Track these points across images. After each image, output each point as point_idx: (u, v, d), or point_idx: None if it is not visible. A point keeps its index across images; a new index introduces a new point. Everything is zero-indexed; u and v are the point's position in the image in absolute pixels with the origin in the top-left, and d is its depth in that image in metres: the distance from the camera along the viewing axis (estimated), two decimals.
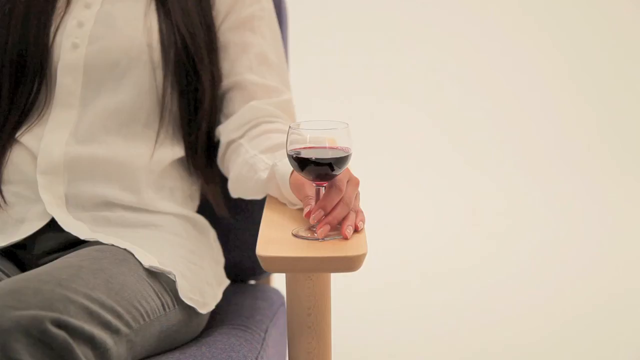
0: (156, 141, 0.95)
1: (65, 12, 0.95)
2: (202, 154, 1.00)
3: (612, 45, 2.66)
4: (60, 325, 0.66)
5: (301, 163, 0.74)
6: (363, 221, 0.78)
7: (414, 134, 2.65)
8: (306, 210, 0.76)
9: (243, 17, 0.99)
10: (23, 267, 0.89)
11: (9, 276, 0.84)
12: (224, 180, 1.03)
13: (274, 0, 1.16)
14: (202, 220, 1.02)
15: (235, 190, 0.97)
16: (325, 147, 0.75)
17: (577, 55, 2.66)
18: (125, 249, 0.84)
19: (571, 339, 1.75)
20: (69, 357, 0.66)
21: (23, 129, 0.92)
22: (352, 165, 1.09)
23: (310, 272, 0.76)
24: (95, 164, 0.90)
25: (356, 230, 0.76)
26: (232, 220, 1.12)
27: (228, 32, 0.99)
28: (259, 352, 0.87)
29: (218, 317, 0.96)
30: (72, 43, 0.93)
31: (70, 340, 0.66)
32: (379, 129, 2.65)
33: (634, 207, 2.51)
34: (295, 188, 0.81)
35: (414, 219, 2.46)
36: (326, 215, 0.74)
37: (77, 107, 0.92)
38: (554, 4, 2.64)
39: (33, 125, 0.92)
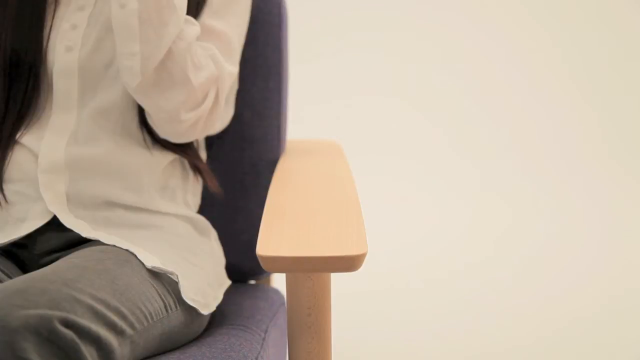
0: (150, 139, 0.94)
1: (55, 15, 0.95)
2: (194, 152, 1.00)
3: (613, 46, 2.66)
4: (68, 324, 0.66)
5: None
6: None
7: (415, 134, 2.65)
8: None
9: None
10: (24, 267, 0.89)
11: (9, 276, 0.84)
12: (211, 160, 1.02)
13: (274, 1, 1.16)
14: (202, 221, 1.02)
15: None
16: None
17: (578, 55, 2.66)
18: (127, 250, 0.84)
19: (572, 340, 1.75)
20: (76, 357, 0.66)
21: (23, 130, 0.92)
22: (352, 166, 1.10)
23: (310, 272, 0.76)
24: (97, 163, 0.90)
25: None
26: (232, 221, 1.12)
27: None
28: (259, 352, 0.87)
29: (218, 317, 0.96)
30: (65, 46, 0.93)
31: (78, 340, 0.66)
32: (380, 129, 2.65)
33: (635, 207, 2.51)
34: None
35: (413, 219, 2.46)
36: None
37: (75, 110, 0.92)
38: (556, 4, 2.64)
39: (33, 127, 0.92)
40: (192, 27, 0.91)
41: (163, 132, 0.95)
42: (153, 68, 0.87)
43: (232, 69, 0.99)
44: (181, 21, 0.88)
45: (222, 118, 1.06)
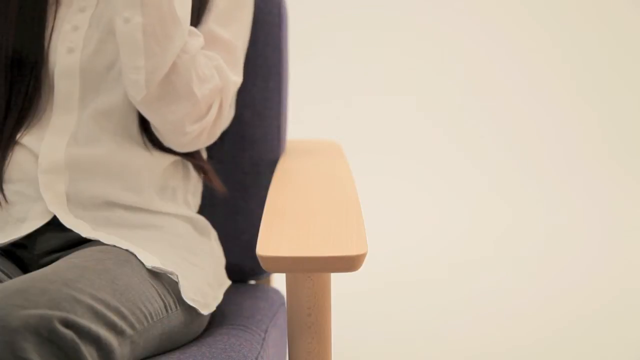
0: (150, 143, 0.94)
1: (57, 16, 0.95)
2: (197, 154, 1.01)
3: (613, 46, 2.66)
4: (68, 324, 0.66)
5: None
6: None
7: (415, 134, 2.65)
8: None
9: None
10: (24, 267, 0.89)
11: (9, 276, 0.84)
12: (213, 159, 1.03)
13: (274, 1, 1.16)
14: (202, 221, 1.02)
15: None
16: None
17: (578, 55, 2.66)
18: (127, 250, 0.84)
19: (572, 340, 1.75)
20: (76, 357, 0.66)
21: (23, 130, 0.92)
22: (352, 166, 1.10)
23: (310, 272, 0.76)
24: (97, 163, 0.90)
25: None
26: (232, 221, 1.12)
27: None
28: (259, 352, 0.87)
29: (218, 317, 0.96)
30: (67, 48, 0.93)
31: (78, 340, 0.66)
32: (380, 129, 2.65)
33: (635, 207, 2.51)
34: None
35: (413, 219, 2.46)
36: None
37: (76, 111, 0.92)
38: (556, 4, 2.64)
39: (33, 127, 0.92)
40: (196, 38, 0.91)
41: (168, 142, 0.95)
42: (158, 82, 0.87)
43: (236, 79, 0.99)
44: (185, 34, 0.88)
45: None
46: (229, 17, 1.00)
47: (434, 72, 2.64)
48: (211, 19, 0.97)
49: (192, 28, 0.91)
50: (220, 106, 0.96)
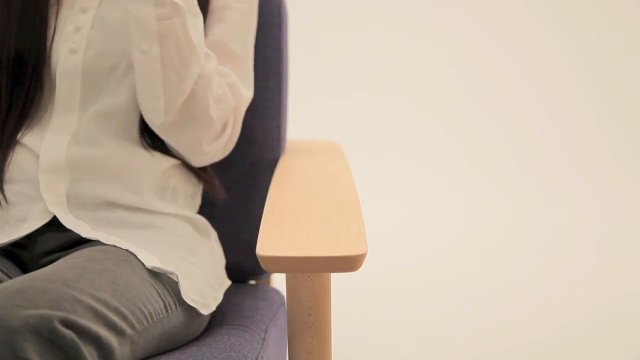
0: (150, 145, 0.95)
1: (59, 16, 0.95)
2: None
3: (614, 46, 2.66)
4: (69, 324, 0.66)
5: None
6: None
7: (415, 134, 2.65)
8: None
9: (216, 6, 0.99)
10: (24, 267, 0.89)
11: (9, 276, 0.84)
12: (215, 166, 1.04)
13: (274, 1, 1.16)
14: (202, 221, 1.02)
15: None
16: None
17: (580, 55, 2.66)
18: (127, 250, 0.84)
19: (573, 340, 1.75)
20: (76, 357, 0.66)
21: (24, 130, 0.92)
22: (354, 166, 1.10)
23: (310, 272, 0.76)
24: (97, 164, 0.90)
25: None
26: (232, 221, 1.12)
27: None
28: (259, 352, 0.87)
29: (218, 317, 0.96)
30: (69, 48, 0.93)
31: (78, 340, 0.66)
32: (380, 129, 2.65)
33: (635, 207, 2.51)
34: None
35: (414, 219, 2.46)
36: None
37: (77, 111, 0.92)
38: (557, 4, 2.64)
39: (34, 127, 0.93)
40: (211, 60, 0.93)
41: (186, 160, 0.98)
42: (177, 108, 0.89)
43: (248, 95, 1.01)
44: (201, 59, 0.89)
45: None
46: (241, 31, 1.01)
47: (435, 71, 2.64)
48: (225, 33, 0.98)
49: (206, 50, 0.92)
50: (235, 123, 0.98)
